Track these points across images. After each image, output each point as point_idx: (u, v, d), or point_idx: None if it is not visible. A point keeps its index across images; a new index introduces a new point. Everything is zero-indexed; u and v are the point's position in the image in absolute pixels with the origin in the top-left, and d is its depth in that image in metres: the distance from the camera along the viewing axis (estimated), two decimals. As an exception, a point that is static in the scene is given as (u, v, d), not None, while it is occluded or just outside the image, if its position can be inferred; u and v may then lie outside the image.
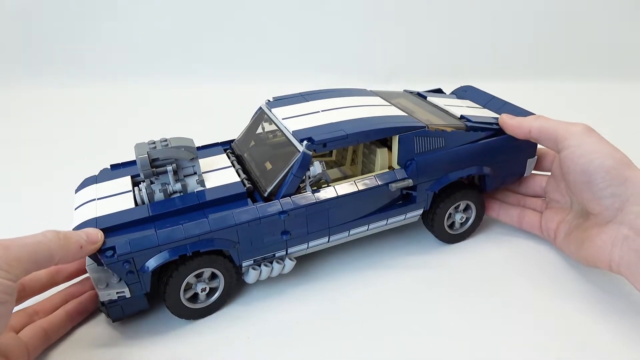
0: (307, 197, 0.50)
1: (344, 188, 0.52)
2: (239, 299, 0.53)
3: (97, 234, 0.44)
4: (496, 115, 0.62)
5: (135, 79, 1.20)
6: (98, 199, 0.51)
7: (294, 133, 0.52)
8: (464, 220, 0.59)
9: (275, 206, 0.49)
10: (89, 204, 0.50)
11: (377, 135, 0.53)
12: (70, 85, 1.18)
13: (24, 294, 0.48)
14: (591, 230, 0.50)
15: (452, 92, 0.72)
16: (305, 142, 0.50)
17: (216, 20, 1.23)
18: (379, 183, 0.52)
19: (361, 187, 0.52)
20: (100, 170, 0.57)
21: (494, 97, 0.67)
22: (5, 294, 0.36)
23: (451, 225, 0.60)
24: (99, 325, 0.50)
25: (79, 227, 0.46)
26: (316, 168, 0.50)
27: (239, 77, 1.19)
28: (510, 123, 0.56)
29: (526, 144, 0.59)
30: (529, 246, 0.59)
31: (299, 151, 0.50)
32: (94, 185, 0.53)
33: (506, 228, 0.63)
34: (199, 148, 0.58)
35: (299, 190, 0.51)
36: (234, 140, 0.62)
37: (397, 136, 0.53)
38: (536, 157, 0.60)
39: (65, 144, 0.92)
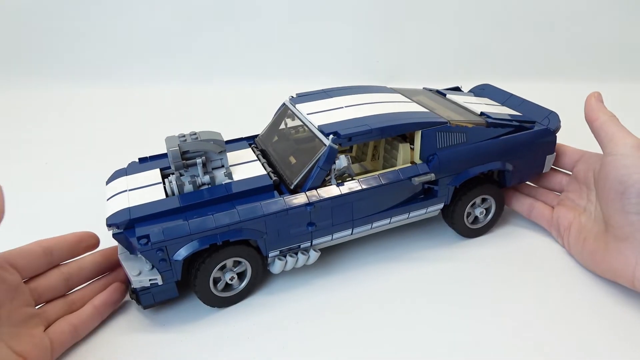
0: (333, 190, 0.51)
1: (368, 181, 0.53)
2: (262, 289, 0.55)
3: None
4: (515, 113, 0.63)
5: (150, 80, 1.22)
6: (129, 190, 0.52)
7: (320, 127, 0.53)
8: (483, 214, 0.60)
9: (301, 198, 0.50)
10: (120, 195, 0.52)
11: (400, 130, 0.54)
12: (94, 85, 1.20)
13: (69, 284, 0.49)
14: (611, 244, 0.50)
15: (470, 90, 0.73)
16: (331, 136, 0.51)
17: (226, 22, 1.24)
18: (402, 177, 0.54)
19: (385, 181, 0.53)
20: (129, 164, 0.58)
21: (512, 95, 0.68)
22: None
23: (470, 219, 0.61)
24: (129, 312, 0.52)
25: (113, 216, 0.48)
26: (342, 161, 0.51)
27: (244, 78, 1.21)
28: (589, 102, 0.56)
29: (545, 140, 0.60)
30: (548, 242, 0.60)
31: (325, 145, 0.51)
32: (124, 178, 0.55)
33: (525, 224, 0.64)
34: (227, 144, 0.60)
35: (324, 183, 0.52)
36: (257, 135, 0.64)
37: (420, 131, 0.54)
38: (555, 153, 0.61)
39: (90, 141, 0.94)
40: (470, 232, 0.61)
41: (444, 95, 0.68)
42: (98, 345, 0.48)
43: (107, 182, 0.56)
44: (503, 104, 0.66)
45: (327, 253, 0.59)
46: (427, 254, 0.59)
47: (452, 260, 0.58)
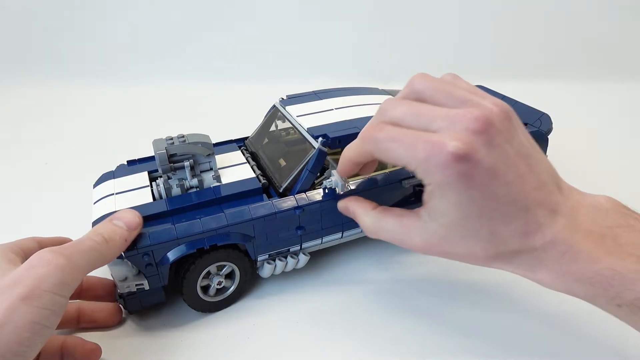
0: (322, 193, 0.51)
1: (358, 184, 0.52)
2: (252, 293, 0.54)
3: (134, 218, 0.44)
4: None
5: (142, 80, 1.21)
6: (116, 193, 0.52)
7: (309, 130, 0.52)
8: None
9: (290, 201, 0.50)
10: (107, 198, 0.51)
11: (390, 133, 0.53)
12: (93, 85, 1.19)
13: None
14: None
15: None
16: (320, 139, 0.51)
17: (223, 22, 1.24)
18: (392, 180, 0.53)
19: (374, 184, 0.53)
20: (117, 166, 0.58)
21: (504, 96, 0.67)
22: (56, 316, 0.36)
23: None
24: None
25: (98, 221, 0.47)
26: (336, 180, 0.48)
27: (241, 77, 1.20)
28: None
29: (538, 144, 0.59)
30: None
31: (314, 148, 0.50)
32: (112, 181, 0.54)
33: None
34: (213, 145, 0.59)
35: (313, 186, 0.51)
36: (247, 137, 0.63)
37: (410, 134, 0.54)
38: (546, 156, 0.61)
39: (90, 141, 0.93)
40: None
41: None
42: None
43: (95, 185, 0.55)
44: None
45: (317, 256, 0.58)
46: (419, 256, 0.59)
47: (445, 262, 0.57)
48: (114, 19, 1.24)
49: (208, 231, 0.47)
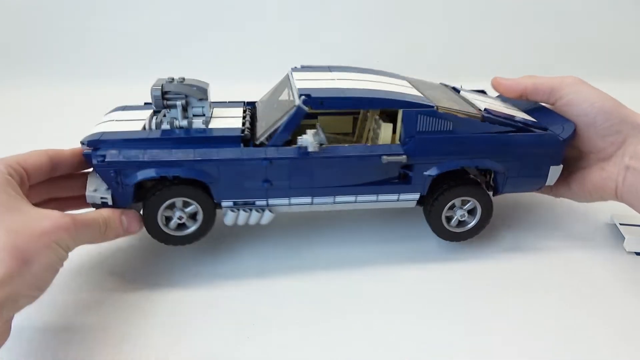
0: (293, 150, 0.50)
1: (333, 150, 0.51)
2: (254, 291, 0.53)
3: (136, 226, 0.50)
4: (528, 117, 0.57)
5: (143, 80, 1.22)
6: (116, 120, 0.56)
7: (299, 90, 0.53)
8: (465, 218, 0.55)
9: (259, 152, 0.50)
10: (107, 123, 0.56)
11: (379, 105, 0.52)
12: (94, 85, 1.18)
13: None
14: (593, 166, 0.55)
15: (498, 96, 0.68)
16: (302, 97, 0.50)
17: (223, 22, 1.26)
18: (370, 152, 0.51)
19: (351, 153, 0.51)
20: (132, 104, 0.62)
21: (539, 104, 0.61)
22: (61, 262, 0.43)
23: (454, 223, 0.55)
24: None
25: (87, 136, 0.52)
26: (307, 137, 0.49)
27: (241, 78, 1.17)
28: (505, 83, 0.60)
29: (550, 147, 0.53)
30: (532, 256, 0.56)
31: (295, 105, 0.50)
32: (121, 111, 0.59)
33: (512, 235, 0.58)
34: (224, 103, 0.62)
35: (290, 144, 0.51)
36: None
37: (401, 111, 0.52)
38: (562, 165, 0.54)
39: (77, 142, 0.93)
40: (449, 235, 0.56)
41: (458, 91, 0.64)
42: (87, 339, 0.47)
43: (106, 114, 0.60)
44: (526, 111, 0.60)
45: (318, 255, 0.57)
46: (421, 256, 0.57)
47: (445, 263, 0.55)
48: (115, 19, 1.25)
49: (174, 162, 0.49)
